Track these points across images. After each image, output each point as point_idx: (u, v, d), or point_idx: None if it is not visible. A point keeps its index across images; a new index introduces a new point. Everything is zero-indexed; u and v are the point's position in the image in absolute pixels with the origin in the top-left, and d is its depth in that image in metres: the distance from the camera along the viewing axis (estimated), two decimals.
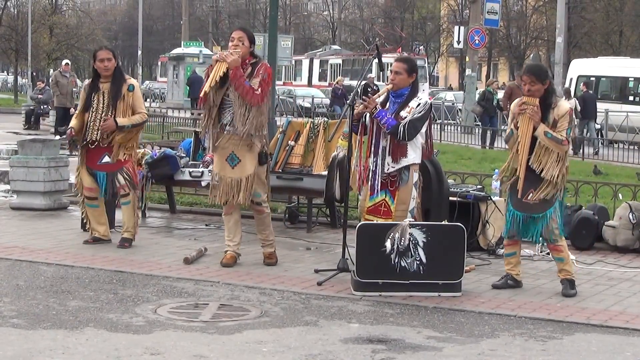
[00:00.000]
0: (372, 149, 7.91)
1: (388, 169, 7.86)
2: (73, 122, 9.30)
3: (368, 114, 7.87)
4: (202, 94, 8.17)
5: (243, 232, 8.66)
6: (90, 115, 9.12)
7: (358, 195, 8.20)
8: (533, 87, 7.60)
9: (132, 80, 9.32)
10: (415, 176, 7.91)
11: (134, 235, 9.24)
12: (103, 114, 9.08)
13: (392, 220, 7.77)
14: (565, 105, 7.77)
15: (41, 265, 8.32)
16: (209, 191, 8.59)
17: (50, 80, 26.88)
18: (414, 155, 7.88)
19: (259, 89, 8.11)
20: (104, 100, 9.11)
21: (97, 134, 9.09)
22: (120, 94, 9.09)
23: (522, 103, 7.61)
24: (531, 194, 7.64)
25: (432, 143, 8.16)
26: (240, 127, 8.13)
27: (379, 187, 7.89)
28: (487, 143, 24.10)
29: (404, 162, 7.84)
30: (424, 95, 8.23)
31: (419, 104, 7.83)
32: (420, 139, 7.89)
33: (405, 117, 7.77)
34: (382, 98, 7.98)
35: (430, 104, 8.04)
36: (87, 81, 9.50)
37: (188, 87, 40.44)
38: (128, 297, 7.24)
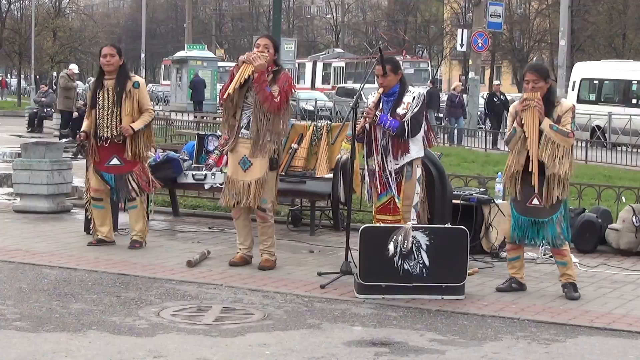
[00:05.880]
0: (374, 149, 7.96)
1: (392, 167, 7.92)
2: (85, 124, 9.30)
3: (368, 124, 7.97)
4: (225, 95, 8.23)
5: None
6: (97, 113, 9.16)
7: (367, 200, 8.28)
8: (537, 84, 7.61)
9: (137, 78, 9.34)
10: (418, 171, 8.02)
11: (143, 238, 9.27)
12: (109, 111, 9.11)
13: (399, 215, 7.86)
14: (567, 102, 7.85)
15: (44, 268, 8.32)
16: (222, 194, 8.62)
17: (58, 84, 26.86)
18: (416, 150, 8.00)
19: (278, 97, 8.22)
20: (108, 97, 9.14)
21: (107, 131, 9.12)
22: (124, 90, 9.11)
23: (524, 99, 7.61)
24: (536, 199, 7.62)
25: (432, 130, 8.37)
26: (257, 132, 8.23)
27: (386, 185, 7.97)
28: None
29: (407, 158, 7.96)
30: (414, 88, 8.40)
31: (414, 98, 7.98)
32: (421, 132, 8.02)
33: (405, 114, 7.89)
34: (375, 104, 8.04)
35: (424, 94, 8.25)
36: (92, 79, 9.52)
37: (191, 90, 40.48)
38: (131, 300, 7.25)
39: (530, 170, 7.57)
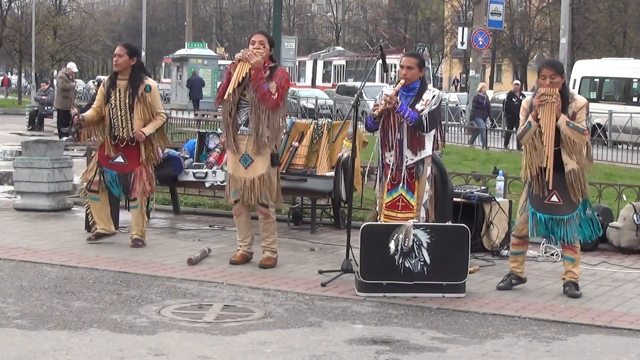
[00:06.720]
0: (389, 143, 7.94)
1: (407, 161, 7.90)
2: (89, 113, 9.22)
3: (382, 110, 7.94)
4: (225, 95, 8.19)
5: None
6: (110, 112, 9.14)
7: (375, 190, 8.26)
8: (554, 79, 7.54)
9: (150, 81, 9.30)
10: (428, 169, 8.00)
11: (143, 236, 9.28)
12: (122, 112, 9.09)
13: (411, 213, 7.84)
14: (582, 98, 7.80)
15: (45, 266, 8.33)
16: (225, 192, 8.62)
17: (56, 83, 26.86)
18: (429, 147, 7.99)
19: (276, 94, 8.21)
20: (120, 98, 9.13)
21: (124, 132, 9.11)
22: (135, 94, 9.11)
23: (541, 94, 7.56)
24: (555, 196, 7.58)
25: (443, 133, 8.35)
26: (256, 129, 8.22)
27: (398, 181, 7.93)
28: None
29: (423, 154, 7.93)
30: (433, 87, 8.37)
31: (434, 96, 7.97)
32: (434, 130, 8.03)
33: (423, 110, 7.87)
34: (397, 94, 8.02)
35: (441, 95, 8.24)
36: (106, 77, 9.49)
37: (188, 89, 40.46)
38: (132, 298, 7.25)
39: (545, 166, 7.54)
